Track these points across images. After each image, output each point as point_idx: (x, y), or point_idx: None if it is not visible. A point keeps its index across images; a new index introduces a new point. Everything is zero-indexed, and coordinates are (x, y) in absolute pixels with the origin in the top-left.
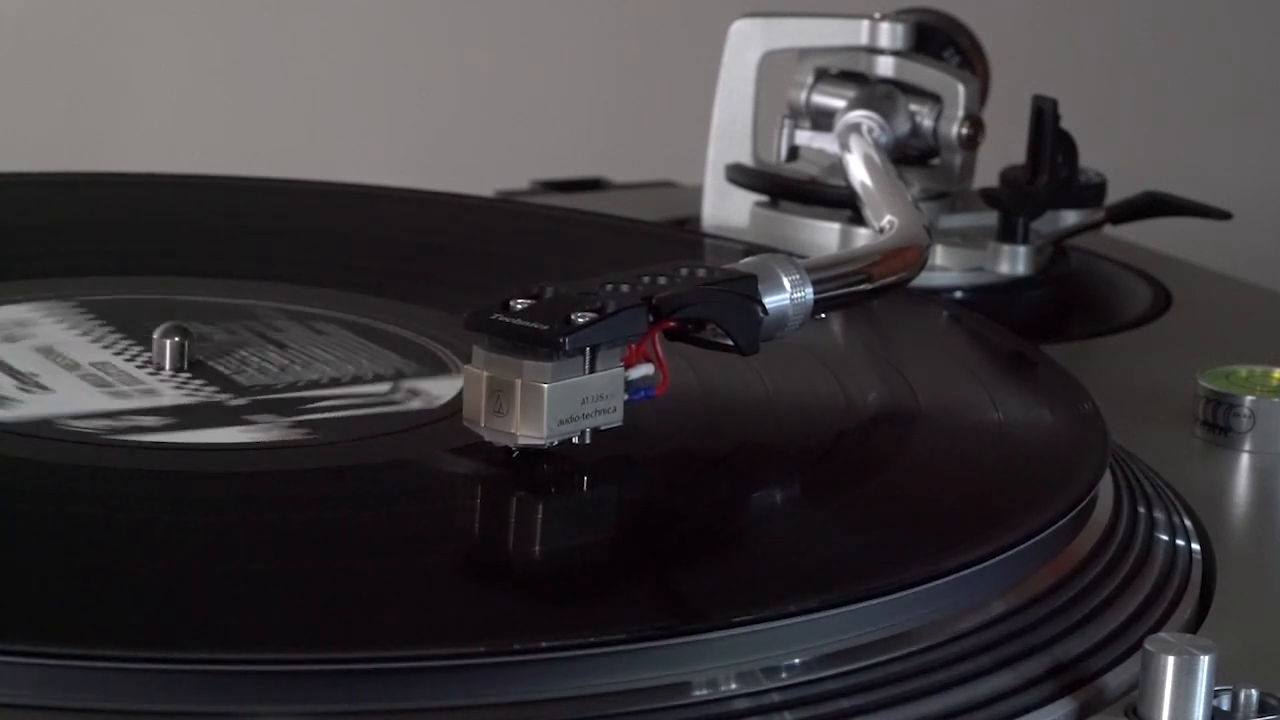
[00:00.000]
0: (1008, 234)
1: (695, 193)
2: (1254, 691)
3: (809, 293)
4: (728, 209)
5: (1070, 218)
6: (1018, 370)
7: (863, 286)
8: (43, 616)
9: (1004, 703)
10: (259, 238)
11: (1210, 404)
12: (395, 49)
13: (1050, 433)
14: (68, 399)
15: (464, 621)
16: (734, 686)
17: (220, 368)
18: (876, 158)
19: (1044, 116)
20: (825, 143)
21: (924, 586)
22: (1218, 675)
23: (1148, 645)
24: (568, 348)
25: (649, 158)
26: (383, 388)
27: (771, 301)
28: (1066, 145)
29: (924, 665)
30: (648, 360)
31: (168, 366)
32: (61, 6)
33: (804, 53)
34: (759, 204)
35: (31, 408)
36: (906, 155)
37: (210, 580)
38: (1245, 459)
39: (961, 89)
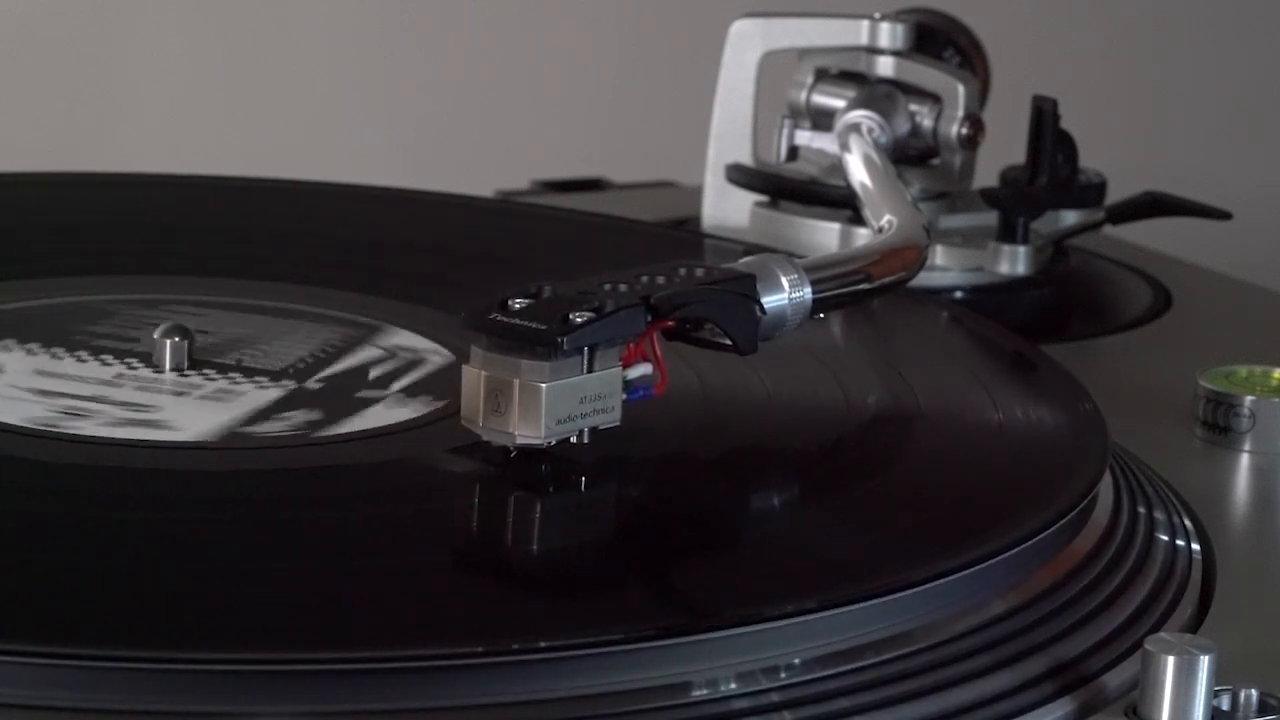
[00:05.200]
0: (1008, 234)
1: (695, 193)
2: (1254, 691)
3: (807, 292)
4: (728, 209)
5: (1070, 218)
6: (1018, 370)
7: (861, 286)
8: (43, 616)
9: (1004, 703)
10: (258, 238)
11: (1210, 404)
12: (395, 49)
13: (1050, 433)
14: (195, 413)
15: (463, 621)
16: (734, 686)
17: (224, 360)
18: (876, 158)
19: (1044, 116)
20: (825, 143)
21: (924, 586)
22: (1218, 675)
23: (1148, 645)
24: (566, 347)
25: (649, 158)
26: (378, 351)
27: (770, 301)
28: (1066, 145)
29: (924, 665)
30: (646, 360)
31: (167, 367)
32: (61, 6)
33: (804, 53)
34: (759, 204)
35: (191, 428)
36: (906, 155)
37: (210, 580)
38: (1245, 459)
39: (961, 89)
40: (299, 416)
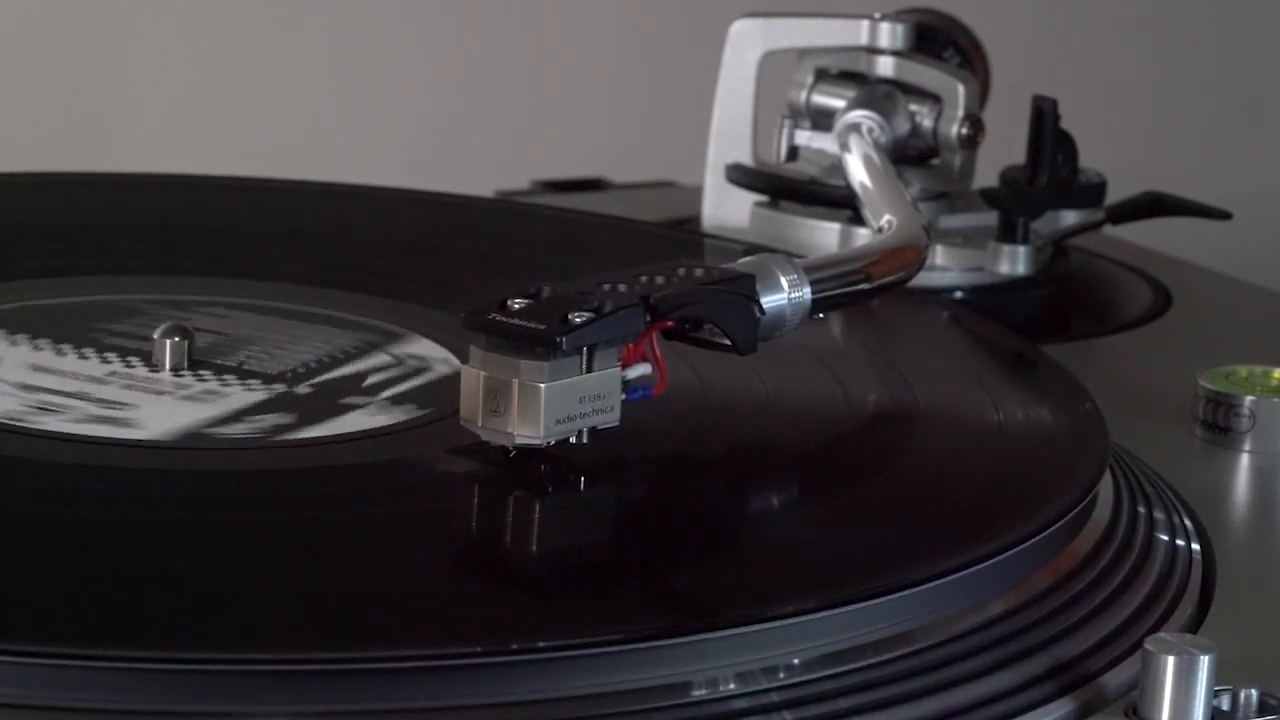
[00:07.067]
0: (1008, 234)
1: (695, 193)
2: (1254, 691)
3: (806, 293)
4: (728, 209)
5: (1070, 218)
6: (1018, 370)
7: (861, 286)
8: (43, 616)
9: (1004, 703)
10: (259, 238)
11: (1210, 404)
12: (395, 49)
13: (1050, 433)
14: (166, 412)
15: (462, 622)
16: (733, 686)
17: (225, 362)
18: (876, 158)
19: (1044, 116)
20: (825, 143)
21: (924, 586)
22: (1218, 675)
23: (1148, 645)
24: (565, 347)
25: (649, 158)
26: (385, 358)
27: (769, 301)
28: (1066, 145)
29: (924, 665)
30: (645, 360)
31: (167, 367)
32: (61, 6)
33: (804, 53)
34: (759, 204)
35: (155, 426)
36: (906, 155)
37: (210, 580)
38: (1245, 459)
39: (961, 89)
40: (276, 419)
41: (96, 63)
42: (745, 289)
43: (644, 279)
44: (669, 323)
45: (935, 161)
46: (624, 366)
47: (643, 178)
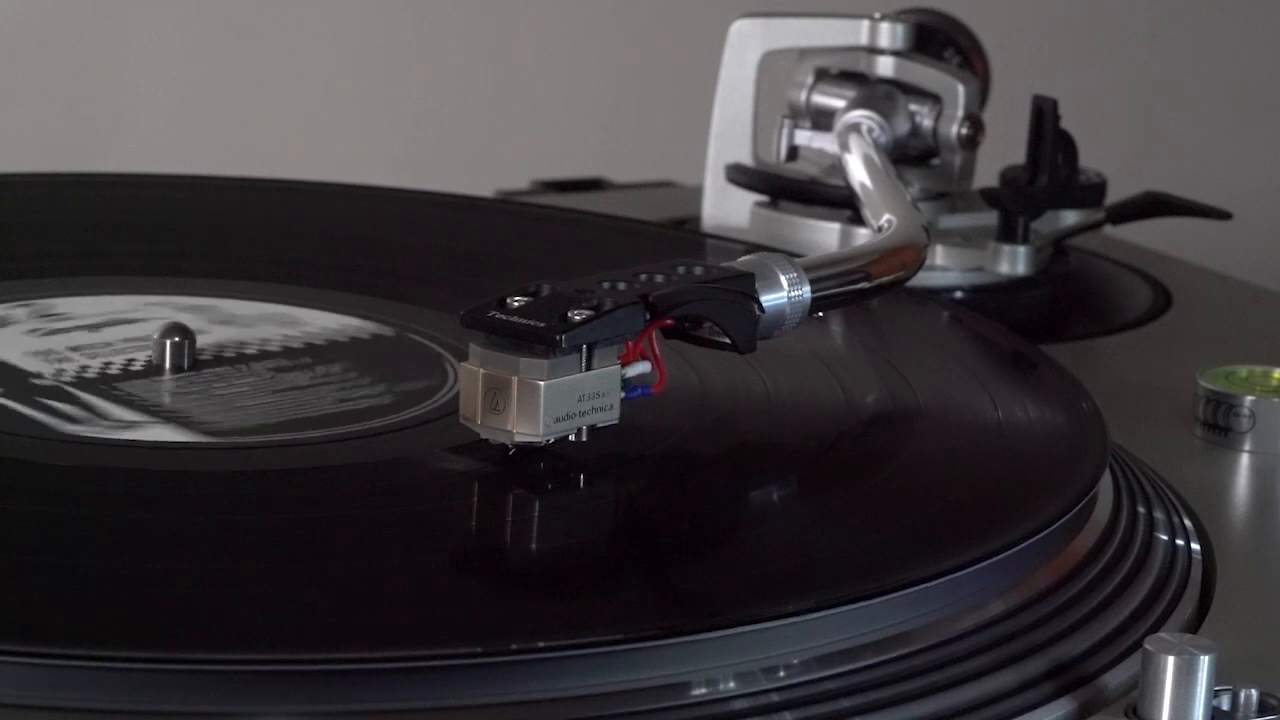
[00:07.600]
0: (1008, 234)
1: (695, 193)
2: (1254, 691)
3: (806, 291)
4: (728, 209)
5: (1070, 218)
6: (1018, 370)
7: (860, 285)
8: (43, 616)
9: (1004, 703)
10: (259, 238)
11: (1210, 404)
12: (395, 49)
13: (1050, 433)
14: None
15: (461, 621)
16: (733, 686)
17: (217, 368)
18: (876, 158)
19: (1044, 116)
20: (825, 143)
21: (924, 586)
22: (1218, 675)
23: (1148, 645)
24: (564, 345)
25: (649, 158)
26: (378, 388)
27: (769, 300)
28: (1066, 145)
29: (924, 665)
30: (645, 358)
31: (168, 367)
32: (61, 6)
33: (804, 53)
34: (759, 204)
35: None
36: (906, 155)
37: (210, 580)
38: (1245, 459)
39: (961, 89)
40: (144, 420)
41: (96, 63)
42: (745, 287)
43: (644, 277)
44: (668, 321)
45: (935, 161)
46: (623, 365)
47: (643, 178)
